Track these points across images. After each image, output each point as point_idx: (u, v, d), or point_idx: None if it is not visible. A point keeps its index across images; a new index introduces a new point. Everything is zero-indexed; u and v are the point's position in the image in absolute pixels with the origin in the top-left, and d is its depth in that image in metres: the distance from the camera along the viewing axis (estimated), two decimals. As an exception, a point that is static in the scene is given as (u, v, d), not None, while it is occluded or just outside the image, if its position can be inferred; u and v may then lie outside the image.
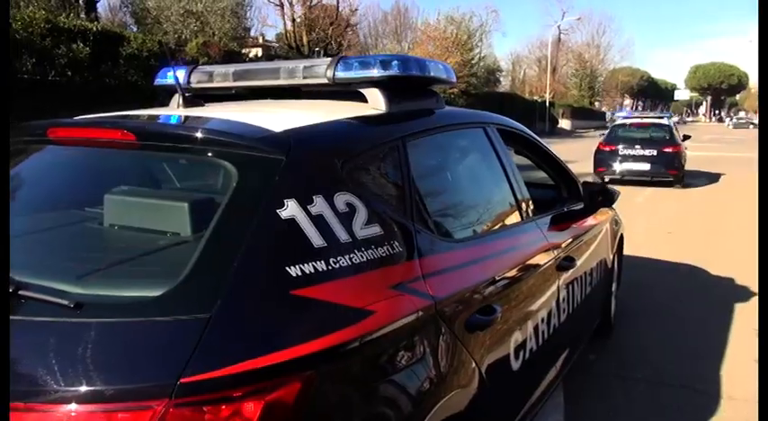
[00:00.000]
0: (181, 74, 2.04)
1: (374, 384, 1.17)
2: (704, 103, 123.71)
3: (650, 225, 7.54)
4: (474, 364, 1.47)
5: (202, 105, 1.85)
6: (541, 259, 2.10)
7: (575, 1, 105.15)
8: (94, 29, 14.58)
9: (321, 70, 1.81)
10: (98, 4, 18.84)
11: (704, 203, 9.71)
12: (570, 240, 2.43)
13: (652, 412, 2.79)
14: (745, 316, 4.08)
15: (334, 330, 1.11)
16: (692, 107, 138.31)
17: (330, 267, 1.19)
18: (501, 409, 1.69)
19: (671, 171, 11.23)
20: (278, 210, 1.18)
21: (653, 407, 2.82)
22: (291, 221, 1.19)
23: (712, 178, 13.32)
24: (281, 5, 28.37)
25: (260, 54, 27.15)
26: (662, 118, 13.13)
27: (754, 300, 4.40)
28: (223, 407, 0.95)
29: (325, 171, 1.34)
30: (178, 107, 1.81)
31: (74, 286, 1.12)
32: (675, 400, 2.89)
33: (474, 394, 1.44)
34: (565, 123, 59.83)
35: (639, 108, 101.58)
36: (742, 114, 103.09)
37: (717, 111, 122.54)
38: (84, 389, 0.94)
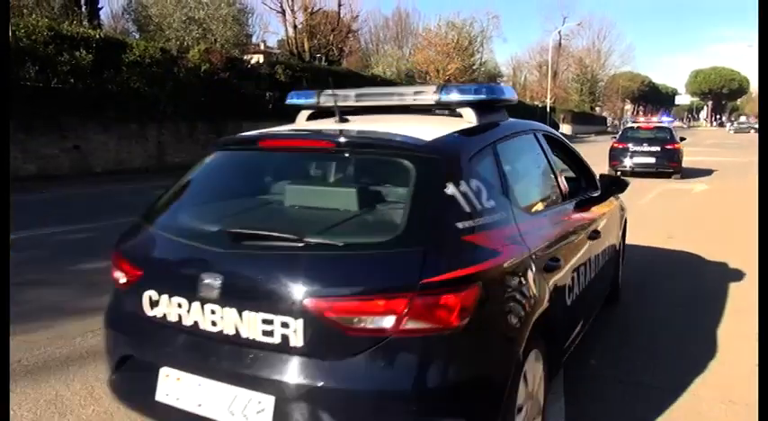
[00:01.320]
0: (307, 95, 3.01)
1: (507, 290, 1.93)
2: (705, 107, 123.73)
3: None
4: (548, 291, 2.22)
5: (348, 121, 2.55)
6: (579, 229, 2.88)
7: (576, 7, 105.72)
8: (97, 36, 14.65)
9: (428, 95, 2.60)
10: (101, 12, 18.95)
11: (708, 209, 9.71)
12: (595, 218, 3.22)
13: (652, 415, 2.79)
14: (746, 320, 4.08)
15: (485, 261, 1.83)
16: (692, 112, 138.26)
17: (475, 225, 1.90)
18: (563, 321, 2.53)
19: (672, 164, 13.82)
20: (444, 190, 1.89)
21: (650, 408, 2.83)
22: (452, 196, 1.89)
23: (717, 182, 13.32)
24: (283, 12, 28.49)
25: (261, 61, 27.22)
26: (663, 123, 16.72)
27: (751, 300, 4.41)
28: (443, 297, 1.68)
29: (461, 165, 2.04)
30: (336, 122, 2.50)
31: (329, 237, 1.85)
32: (678, 405, 2.89)
33: (548, 307, 2.17)
34: (566, 128, 59.80)
35: (641, 113, 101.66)
36: (743, 119, 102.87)
37: (718, 116, 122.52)
38: (370, 286, 1.71)
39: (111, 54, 14.57)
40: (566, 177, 3.13)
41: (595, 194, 3.36)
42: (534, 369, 2.13)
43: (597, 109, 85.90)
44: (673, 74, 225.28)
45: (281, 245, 1.84)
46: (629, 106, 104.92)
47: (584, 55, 76.17)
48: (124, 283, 2.10)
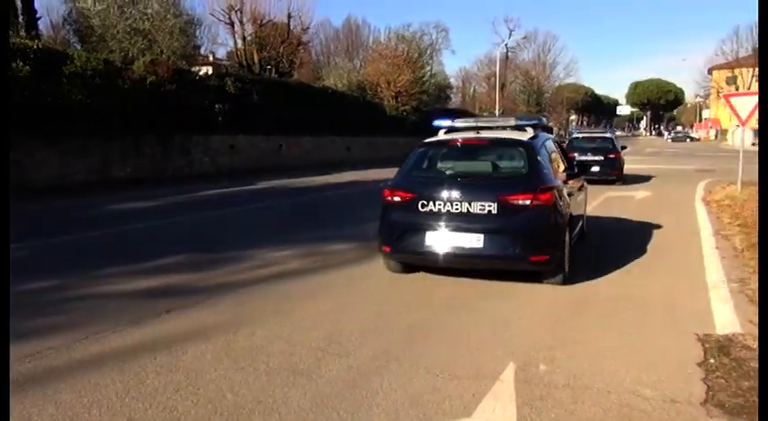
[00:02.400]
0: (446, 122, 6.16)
1: (560, 195, 5.07)
2: (644, 117, 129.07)
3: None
4: (569, 204, 5.47)
5: (479, 133, 5.77)
6: (570, 185, 5.95)
7: (521, 20, 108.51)
8: (35, 46, 14.13)
9: (511, 121, 5.90)
10: (39, 22, 18.26)
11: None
12: (575, 183, 6.38)
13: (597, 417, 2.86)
14: (686, 321, 4.24)
15: (552, 183, 5.03)
16: (633, 122, 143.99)
17: (547, 171, 5.19)
18: (574, 221, 5.82)
19: (614, 171, 14.93)
20: (536, 157, 5.19)
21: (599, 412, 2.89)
22: (538, 160, 5.18)
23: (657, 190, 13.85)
24: (232, 24, 28.18)
25: (210, 72, 26.81)
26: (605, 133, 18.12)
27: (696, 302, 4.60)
28: (543, 194, 4.87)
29: (538, 149, 5.34)
30: (477, 133, 5.76)
31: (499, 173, 5.36)
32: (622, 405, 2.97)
33: (569, 207, 5.43)
34: (514, 138, 61.27)
35: (585, 123, 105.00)
36: (679, 128, 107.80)
37: (656, 126, 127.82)
38: (520, 190, 4.89)
39: (50, 65, 14.08)
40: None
41: (575, 172, 6.63)
42: (568, 230, 5.33)
43: (544, 119, 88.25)
44: (614, 85, 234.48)
45: (480, 176, 5.17)
46: (573, 116, 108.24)
47: (530, 67, 78.35)
48: (399, 201, 5.18)
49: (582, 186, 7.04)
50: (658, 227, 8.56)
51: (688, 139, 73.31)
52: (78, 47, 19.16)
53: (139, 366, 3.46)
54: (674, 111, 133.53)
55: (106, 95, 15.40)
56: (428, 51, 54.77)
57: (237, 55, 28.78)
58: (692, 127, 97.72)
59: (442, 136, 5.90)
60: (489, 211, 4.81)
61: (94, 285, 5.27)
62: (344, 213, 10.54)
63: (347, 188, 15.54)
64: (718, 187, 13.16)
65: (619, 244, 7.25)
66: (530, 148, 5.29)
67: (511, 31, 74.50)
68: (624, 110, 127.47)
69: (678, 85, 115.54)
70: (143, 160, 17.16)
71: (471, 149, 5.66)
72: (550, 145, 6.01)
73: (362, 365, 3.49)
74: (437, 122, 6.01)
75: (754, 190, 11.72)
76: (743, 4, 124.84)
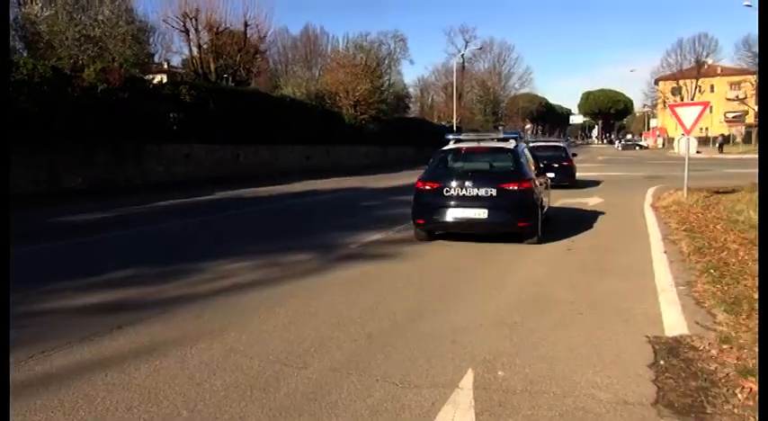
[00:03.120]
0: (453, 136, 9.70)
1: (536, 184, 7.83)
2: (596, 126, 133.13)
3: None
4: (541, 191, 8.23)
5: (478, 144, 8.79)
6: (542, 181, 8.81)
7: (477, 31, 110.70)
8: (-22, 53, 13.58)
9: (499, 135, 8.88)
10: (-18, 27, 17.52)
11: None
12: (542, 179, 8.92)
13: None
14: (638, 327, 4.37)
15: (530, 176, 7.72)
16: (585, 130, 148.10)
17: (528, 168, 7.98)
18: (543, 203, 8.42)
19: (567, 178, 16.40)
20: (519, 159, 7.87)
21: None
22: (523, 162, 7.87)
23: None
24: (187, 31, 27.67)
25: (165, 80, 26.26)
26: (559, 141, 20.38)
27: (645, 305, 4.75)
28: (525, 183, 7.58)
29: (520, 153, 8.04)
30: (478, 143, 8.75)
31: (496, 168, 8.06)
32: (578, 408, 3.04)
33: (541, 192, 8.33)
34: (472, 147, 62.04)
35: (539, 132, 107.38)
36: (629, 137, 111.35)
37: (608, 134, 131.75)
38: (511, 180, 7.57)
39: (-6, 73, 13.56)
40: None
41: (541, 171, 9.06)
42: (540, 208, 7.89)
43: (500, 128, 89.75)
44: (567, 95, 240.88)
45: (483, 171, 7.97)
46: (529, 125, 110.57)
47: (486, 77, 79.91)
48: (429, 189, 7.65)
49: (546, 182, 9.70)
50: (610, 233, 8.81)
51: (637, 147, 75.83)
52: (25, 54, 18.50)
53: (89, 385, 3.34)
54: (624, 120, 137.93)
55: (55, 104, 14.91)
56: (386, 61, 55.32)
57: (193, 63, 28.26)
58: (640, 135, 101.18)
59: (452, 145, 8.64)
60: (491, 195, 7.39)
61: (43, 301, 5.07)
62: (304, 223, 10.48)
63: (307, 197, 15.46)
64: (665, 193, 13.64)
65: (573, 248, 7.43)
66: (514, 153, 8.00)
67: (467, 42, 76.09)
68: (577, 119, 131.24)
69: (627, 95, 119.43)
70: (94, 170, 16.68)
71: (475, 153, 8.46)
72: (526, 151, 8.73)
73: (321, 377, 3.45)
74: (449, 136, 9.07)
75: (700, 196, 12.23)
76: (686, 19, 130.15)
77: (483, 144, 8.59)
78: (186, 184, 18.48)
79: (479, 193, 7.39)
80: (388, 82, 54.26)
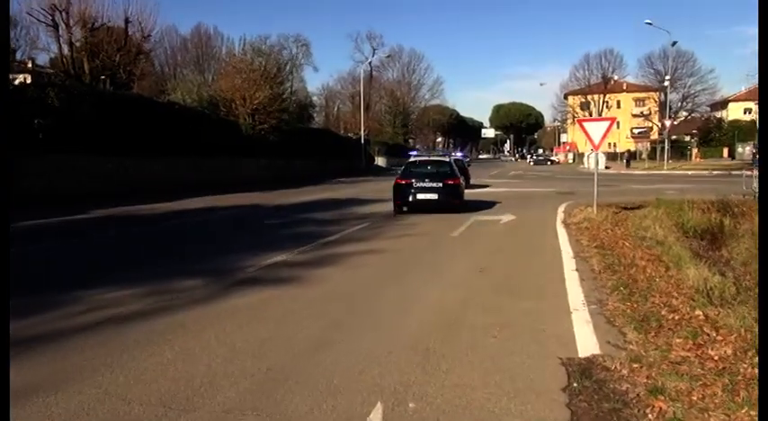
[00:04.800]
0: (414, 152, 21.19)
1: (462, 183, 16.25)
2: (508, 140, 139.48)
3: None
4: (463, 185, 16.66)
5: (429, 157, 17.63)
6: (462, 179, 17.08)
7: (385, 38, 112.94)
8: None
9: (445, 156, 19.13)
10: None
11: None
12: (463, 179, 17.25)
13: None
14: (552, 347, 4.58)
15: (458, 176, 15.58)
16: (497, 145, 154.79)
17: (457, 172, 15.76)
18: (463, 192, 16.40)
19: (454, 200, 16.26)
20: (453, 168, 15.49)
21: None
22: (455, 168, 15.64)
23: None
24: (55, 26, 26.15)
25: (29, 80, 24.62)
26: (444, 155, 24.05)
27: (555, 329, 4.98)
28: (457, 180, 15.33)
29: (453, 164, 16.14)
30: (428, 157, 17.58)
31: (438, 173, 15.11)
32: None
33: (463, 179, 17.23)
34: (380, 160, 62.91)
35: (451, 145, 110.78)
36: (541, 151, 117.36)
37: (519, 148, 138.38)
38: (450, 179, 14.91)
39: None
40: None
41: (460, 174, 16.44)
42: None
43: (410, 141, 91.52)
44: (478, 108, 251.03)
45: (433, 173, 14.82)
46: (440, 138, 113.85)
47: (395, 87, 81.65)
48: (405, 184, 14.53)
49: (463, 180, 16.87)
50: (523, 251, 9.22)
51: (549, 162, 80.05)
52: None
53: (-75, 444, 2.99)
54: (536, 135, 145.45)
55: None
56: (288, 66, 55.07)
57: (63, 62, 26.70)
58: (552, 150, 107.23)
59: (413, 158, 16.29)
60: (439, 186, 14.22)
61: None
62: (197, 244, 10.13)
63: (201, 215, 15.03)
64: (576, 210, 14.49)
65: (485, 269, 7.69)
66: (449, 163, 15.55)
67: (374, 49, 77.47)
68: (489, 132, 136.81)
69: (538, 109, 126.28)
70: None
71: (428, 163, 15.59)
72: (455, 162, 16.41)
73: None
74: (411, 154, 18.43)
75: (609, 212, 13.10)
76: (592, 34, 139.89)
77: (432, 158, 17.00)
78: (58, 200, 17.34)
79: (433, 186, 14.33)
80: (290, 89, 54.02)
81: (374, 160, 60.41)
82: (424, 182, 14.29)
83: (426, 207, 14.18)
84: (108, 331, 4.92)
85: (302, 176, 35.93)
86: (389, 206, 15.02)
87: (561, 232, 11.17)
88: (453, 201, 14.46)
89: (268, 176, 33.15)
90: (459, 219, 13.12)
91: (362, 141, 54.06)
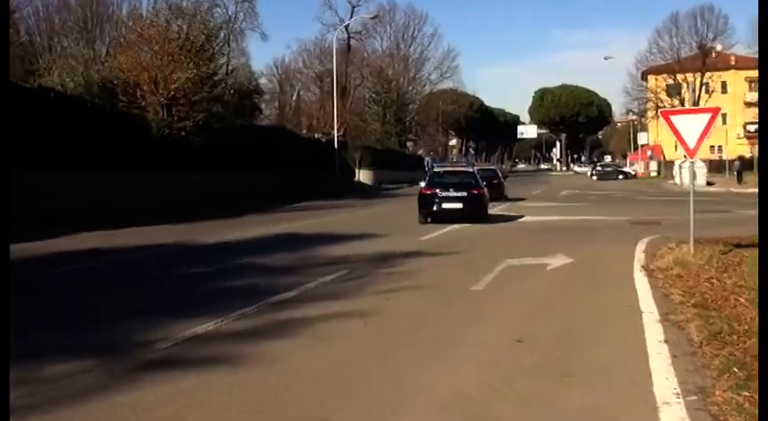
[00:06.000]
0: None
1: (486, 193, 26.40)
2: (558, 142, 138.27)
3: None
4: (488, 195, 27.50)
5: (453, 167, 32.81)
6: (487, 189, 28.36)
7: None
8: None
9: (466, 164, 45.60)
10: None
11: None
12: (486, 189, 27.71)
13: None
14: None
15: (484, 186, 26.11)
16: (542, 149, 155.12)
17: (481, 182, 26.42)
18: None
19: (479, 210, 25.57)
20: (478, 179, 26.39)
21: None
22: (479, 178, 26.65)
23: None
24: None
25: None
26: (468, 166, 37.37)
27: None
28: (483, 190, 26.18)
29: (477, 173, 28.23)
30: (453, 167, 32.64)
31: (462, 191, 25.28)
32: None
33: (488, 197, 27.55)
34: (365, 175, 62.49)
35: (473, 151, 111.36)
36: (608, 160, 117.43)
37: (576, 155, 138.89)
38: (477, 187, 25.70)
39: None
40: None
41: (485, 184, 27.05)
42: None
43: (410, 145, 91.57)
44: (512, 95, 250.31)
45: (458, 183, 25.19)
46: (454, 141, 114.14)
47: (385, 63, 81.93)
48: (430, 193, 24.42)
49: (486, 189, 25.61)
50: (583, 313, 9.17)
51: (620, 175, 79.95)
52: None
53: None
54: (599, 134, 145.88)
55: None
56: (223, 34, 55.21)
57: None
58: (625, 157, 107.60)
59: (437, 168, 29.75)
60: (464, 196, 23.65)
61: None
62: (85, 304, 10.14)
63: (90, 259, 15.18)
64: (664, 248, 14.51)
65: (524, 339, 7.63)
66: (474, 173, 26.62)
67: (353, 7, 78.01)
68: (529, 131, 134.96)
69: (601, 96, 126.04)
70: None
71: (453, 173, 27.18)
72: (478, 172, 27.88)
73: None
74: (435, 165, 34.97)
75: (714, 252, 13.12)
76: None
77: (457, 168, 29.72)
78: None
79: (457, 195, 23.18)
80: (225, 68, 54.07)
81: (355, 174, 60.34)
82: (448, 191, 23.54)
83: (451, 217, 22.94)
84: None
85: (244, 199, 35.90)
86: (379, 244, 15.01)
87: (641, 282, 11.17)
88: (478, 212, 23.69)
89: (192, 199, 33.11)
90: (483, 263, 13.12)
91: (336, 145, 53.93)
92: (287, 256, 15.13)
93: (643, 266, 12.80)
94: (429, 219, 23.30)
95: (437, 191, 23.81)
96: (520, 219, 25.46)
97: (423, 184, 25.24)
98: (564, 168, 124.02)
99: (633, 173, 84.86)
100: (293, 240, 18.66)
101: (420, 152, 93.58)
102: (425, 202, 23.74)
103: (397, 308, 9.60)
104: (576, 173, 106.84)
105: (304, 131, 62.41)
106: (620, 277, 11.91)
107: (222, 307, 9.32)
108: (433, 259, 13.86)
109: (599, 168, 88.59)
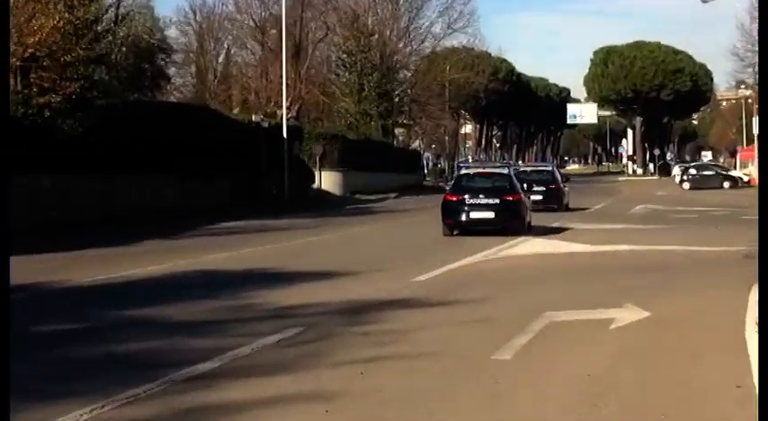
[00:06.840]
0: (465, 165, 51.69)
1: (525, 199, 41.39)
2: (630, 131, 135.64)
3: None
4: (527, 203, 42.68)
5: (484, 169, 48.41)
6: (526, 196, 45.49)
7: None
8: None
9: (503, 165, 63.90)
10: None
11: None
12: (526, 195, 45.79)
13: None
14: None
15: (522, 192, 41.17)
16: (606, 140, 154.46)
17: (518, 187, 41.44)
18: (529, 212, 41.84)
19: (516, 221, 34.59)
20: (513, 182, 40.94)
21: None
22: (515, 182, 41.68)
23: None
24: None
25: None
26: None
27: None
28: (521, 196, 40.81)
29: (513, 176, 43.62)
30: (483, 169, 47.33)
31: (494, 198, 39.06)
32: None
33: (527, 206, 41.83)
34: (330, 179, 62.37)
35: (497, 145, 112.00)
36: (707, 157, 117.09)
37: (661, 149, 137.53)
38: (513, 193, 39.90)
39: None
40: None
41: (525, 189, 43.85)
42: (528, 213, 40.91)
43: (401, 133, 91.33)
44: (557, 61, 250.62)
45: (489, 188, 38.56)
46: (469, 128, 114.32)
47: (362, 6, 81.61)
48: (456, 200, 37.05)
49: (527, 197, 39.87)
50: (665, 397, 9.21)
51: (726, 182, 79.97)
52: None
53: None
54: (694, 118, 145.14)
55: None
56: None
57: None
58: (733, 154, 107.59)
59: (465, 170, 41.92)
60: (496, 203, 33.89)
61: None
62: None
63: None
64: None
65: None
66: (509, 175, 38.44)
67: None
68: (585, 112, 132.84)
69: (697, 60, 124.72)
70: None
71: (484, 175, 38.51)
72: (515, 174, 41.51)
73: None
74: (463, 166, 47.40)
75: None
76: None
77: (488, 170, 39.86)
78: None
79: (488, 202, 33.19)
80: (115, 13, 54.00)
81: (314, 177, 59.87)
82: (478, 198, 31.39)
83: (481, 227, 30.67)
84: None
85: (142, 214, 35.93)
86: (351, 287, 15.02)
87: (755, 347, 11.19)
88: (513, 222, 31.75)
89: (61, 215, 33.11)
90: (511, 318, 13.13)
91: (285, 133, 53.77)
92: (205, 306, 15.18)
93: (756, 321, 12.85)
94: (455, 232, 32.28)
95: (465, 197, 32.53)
96: (571, 247, 25.45)
97: (447, 189, 37.24)
98: (639, 169, 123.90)
99: (746, 178, 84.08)
100: (216, 280, 18.82)
101: (416, 144, 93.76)
102: (451, 211, 32.10)
103: (375, 389, 9.50)
104: (659, 177, 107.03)
105: (235, 111, 62.47)
106: (723, 339, 11.92)
107: (102, 384, 9.27)
108: (434, 311, 13.89)
109: (692, 171, 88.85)
